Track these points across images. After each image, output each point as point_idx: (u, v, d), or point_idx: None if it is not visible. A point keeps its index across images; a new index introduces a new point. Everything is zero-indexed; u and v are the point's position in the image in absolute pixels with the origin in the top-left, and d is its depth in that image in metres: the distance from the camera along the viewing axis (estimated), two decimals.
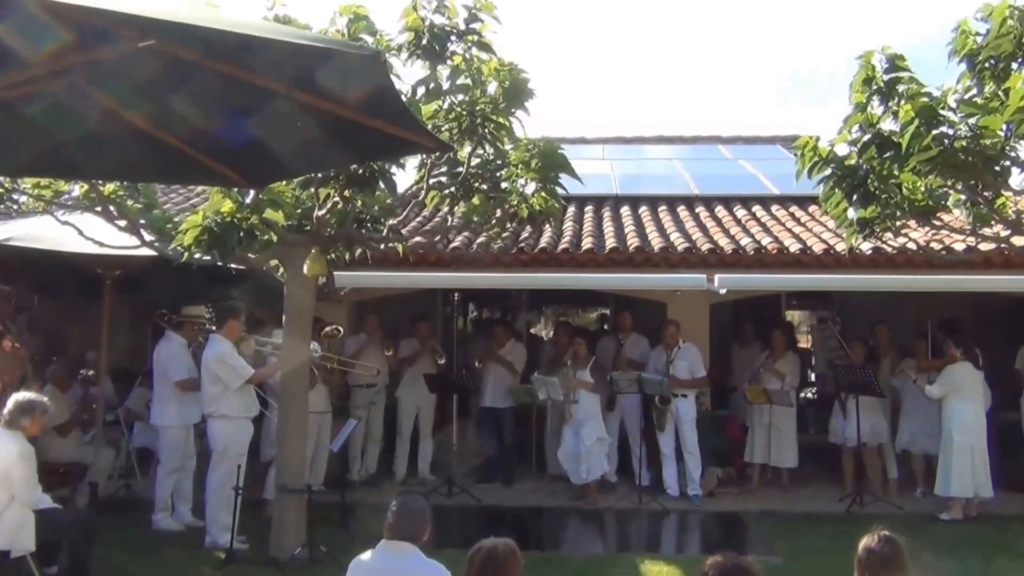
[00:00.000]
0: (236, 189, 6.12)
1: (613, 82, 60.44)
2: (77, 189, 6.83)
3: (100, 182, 6.49)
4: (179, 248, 6.37)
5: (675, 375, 9.09)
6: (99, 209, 6.68)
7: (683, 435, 9.12)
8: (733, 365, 10.53)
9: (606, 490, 9.13)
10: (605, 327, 13.52)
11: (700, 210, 11.30)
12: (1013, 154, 6.26)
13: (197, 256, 6.45)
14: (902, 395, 9.22)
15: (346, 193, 6.70)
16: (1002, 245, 7.98)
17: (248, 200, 6.33)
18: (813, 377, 13.24)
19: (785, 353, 9.69)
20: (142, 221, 6.83)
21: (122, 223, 6.77)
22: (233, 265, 7.03)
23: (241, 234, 6.39)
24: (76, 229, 6.78)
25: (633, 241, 9.52)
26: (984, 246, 8.52)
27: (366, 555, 3.97)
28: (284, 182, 6.33)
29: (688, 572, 6.29)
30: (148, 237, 6.85)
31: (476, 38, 6.38)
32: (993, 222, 7.41)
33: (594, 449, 8.83)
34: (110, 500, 8.08)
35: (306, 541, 6.56)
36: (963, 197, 7.21)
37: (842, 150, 7.15)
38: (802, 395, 12.18)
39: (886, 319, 9.83)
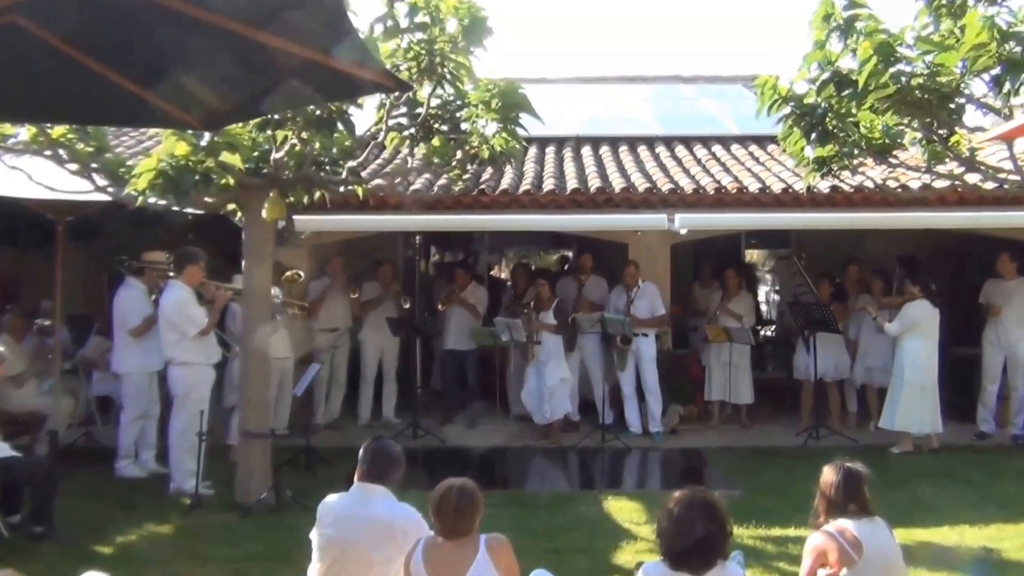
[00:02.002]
0: (191, 132, 5.99)
1: (574, 21, 59.78)
2: (24, 132, 6.63)
3: (48, 125, 6.30)
4: (133, 193, 6.25)
5: (635, 315, 9.17)
6: (48, 153, 6.51)
7: (644, 374, 9.25)
8: (694, 304, 10.64)
9: (569, 429, 9.26)
10: (566, 267, 13.57)
11: (661, 150, 11.30)
12: (968, 91, 6.32)
13: (152, 201, 6.34)
14: (859, 331, 9.42)
15: (304, 135, 6.59)
16: (956, 182, 8.09)
17: (203, 143, 6.21)
18: (775, 315, 13.45)
19: (739, 292, 9.83)
20: (94, 165, 6.67)
21: (73, 167, 6.61)
22: (190, 210, 6.94)
23: (197, 178, 6.28)
24: (25, 174, 6.60)
25: (594, 182, 9.50)
26: (938, 184, 8.64)
27: (336, 497, 4.01)
28: (240, 124, 6.20)
29: (650, 507, 6.44)
30: (101, 182, 6.70)
31: None
32: (947, 160, 7.51)
33: (557, 389, 8.93)
34: (71, 449, 8.01)
35: (272, 485, 6.60)
36: (919, 135, 7.29)
37: (802, 88, 7.17)
38: (762, 333, 12.40)
39: (853, 259, 9.97)
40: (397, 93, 6.64)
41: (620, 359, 9.24)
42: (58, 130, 6.46)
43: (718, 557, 3.31)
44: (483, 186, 9.37)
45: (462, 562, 3.49)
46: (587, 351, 9.50)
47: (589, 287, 9.86)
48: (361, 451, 3.98)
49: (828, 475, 3.90)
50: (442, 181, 9.21)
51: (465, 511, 3.53)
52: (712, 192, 9.18)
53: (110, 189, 6.72)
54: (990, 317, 9.00)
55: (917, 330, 8.31)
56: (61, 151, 6.53)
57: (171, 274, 7.32)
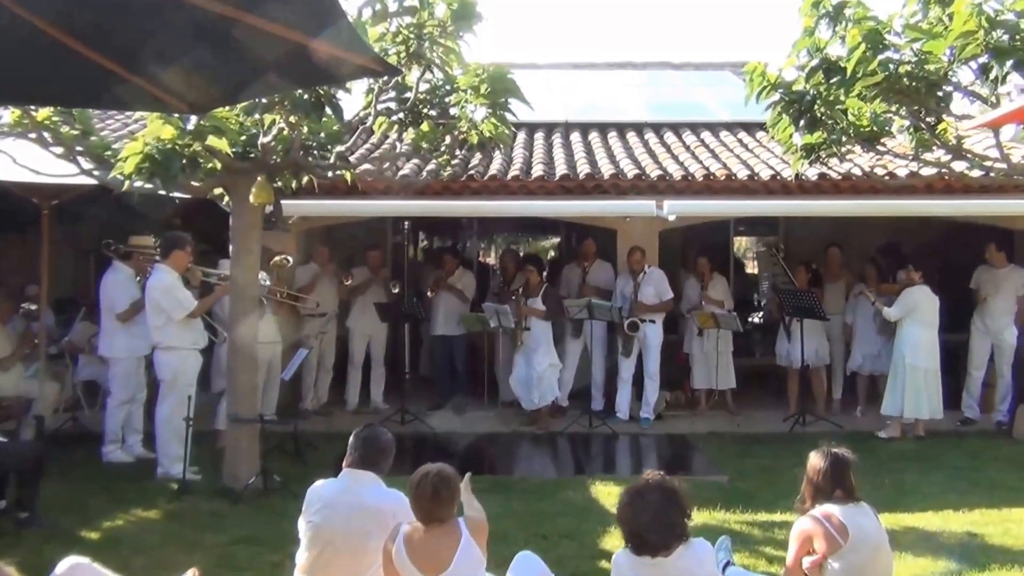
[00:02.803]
0: (177, 115, 5.94)
1: (563, 6, 59.54)
2: (8, 115, 6.57)
3: (33, 107, 6.25)
4: (119, 176, 6.20)
5: (642, 301, 9.19)
6: (33, 135, 6.46)
7: (647, 360, 9.25)
8: (683, 292, 10.64)
9: (557, 415, 9.28)
10: (561, 254, 13.55)
11: (650, 136, 11.29)
12: (955, 79, 6.34)
13: (138, 184, 6.30)
14: (854, 318, 9.46)
15: (292, 119, 6.55)
16: (943, 170, 8.12)
17: (190, 126, 6.16)
18: (763, 302, 13.48)
19: (712, 277, 9.86)
20: (79, 148, 6.62)
21: (58, 150, 6.56)
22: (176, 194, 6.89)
23: (184, 162, 6.24)
24: (9, 156, 6.55)
25: (583, 168, 9.50)
26: (925, 171, 8.67)
27: (324, 484, 4.01)
28: (227, 108, 6.16)
29: None
30: (86, 165, 6.65)
31: None
32: (935, 147, 7.54)
33: (546, 375, 8.95)
34: (57, 434, 7.99)
35: (260, 470, 6.59)
36: (906, 123, 7.31)
37: (790, 75, 7.17)
38: (750, 319, 12.42)
39: (834, 243, 10.00)
40: (386, 78, 6.61)
41: (626, 345, 9.25)
42: (42, 112, 6.41)
43: (675, 539, 3.35)
44: (472, 171, 9.35)
45: (447, 548, 3.50)
46: (593, 337, 9.48)
47: (593, 273, 9.83)
48: (351, 438, 3.97)
49: (815, 460, 3.93)
50: (431, 166, 9.17)
51: (442, 496, 3.53)
52: (701, 179, 9.19)
53: (96, 172, 6.68)
54: (978, 304, 9.05)
55: (917, 315, 8.34)
56: (46, 134, 6.47)
57: (157, 259, 7.28)
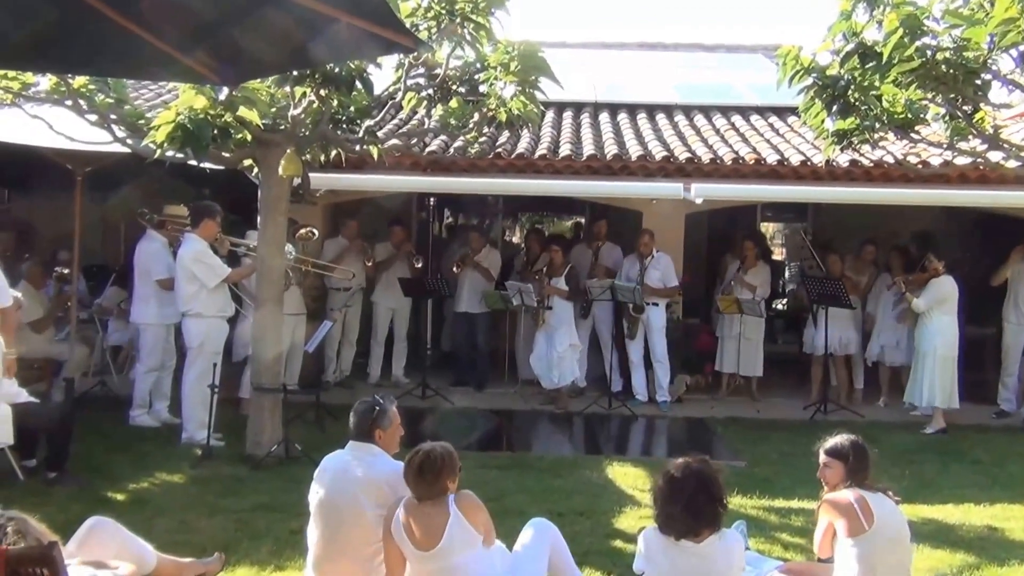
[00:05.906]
0: (209, 86, 5.98)
1: None
2: (45, 82, 6.65)
3: (70, 75, 6.32)
4: (151, 145, 6.27)
5: (647, 284, 9.17)
6: (69, 103, 6.53)
7: (652, 343, 9.27)
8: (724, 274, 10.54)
9: (576, 395, 9.30)
10: (581, 235, 13.52)
11: (679, 119, 11.21)
12: (995, 67, 6.23)
13: (170, 153, 6.36)
14: (876, 308, 9.39)
15: (322, 93, 6.59)
16: (978, 160, 8.00)
17: (222, 97, 6.21)
18: (785, 288, 13.39)
19: (756, 264, 9.79)
20: (113, 116, 6.69)
21: (93, 118, 6.64)
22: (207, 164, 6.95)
23: (215, 132, 6.29)
24: (46, 123, 6.63)
25: (611, 148, 9.46)
26: (960, 160, 8.56)
27: (333, 455, 4.08)
28: (259, 80, 6.20)
29: (653, 474, 6.45)
30: (119, 133, 6.73)
31: None
32: (970, 136, 7.42)
33: (566, 355, 8.96)
34: (85, 397, 8.13)
35: (282, 439, 6.68)
36: (942, 110, 7.20)
37: (825, 59, 7.08)
38: (775, 305, 12.35)
39: (870, 240, 9.89)
40: (416, 54, 6.61)
41: (631, 327, 9.26)
42: (79, 81, 6.48)
43: (708, 527, 3.38)
44: (499, 149, 9.34)
45: (438, 525, 3.57)
46: (599, 318, 9.52)
47: (604, 253, 9.84)
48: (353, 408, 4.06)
49: (835, 444, 3.96)
50: (458, 143, 9.18)
51: (426, 476, 3.60)
52: (729, 162, 9.13)
53: (129, 141, 6.75)
54: (1008, 297, 8.92)
55: (945, 306, 8.26)
56: (81, 101, 6.55)
57: (188, 227, 7.36)
